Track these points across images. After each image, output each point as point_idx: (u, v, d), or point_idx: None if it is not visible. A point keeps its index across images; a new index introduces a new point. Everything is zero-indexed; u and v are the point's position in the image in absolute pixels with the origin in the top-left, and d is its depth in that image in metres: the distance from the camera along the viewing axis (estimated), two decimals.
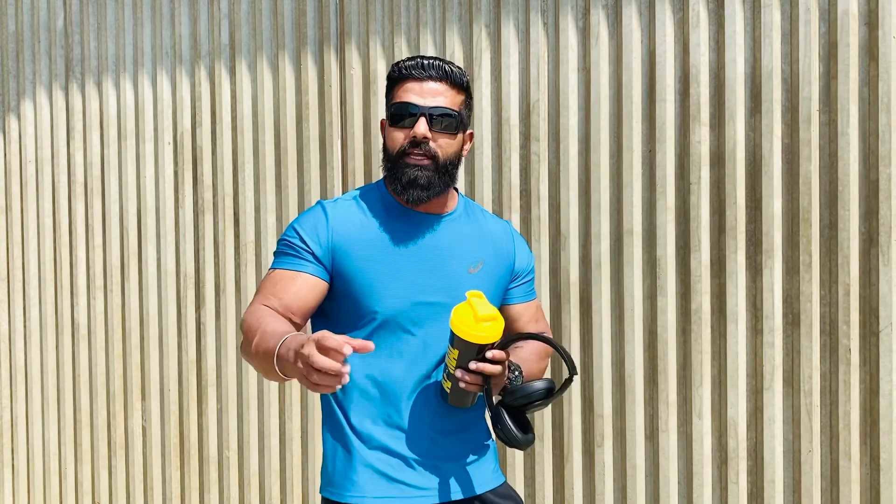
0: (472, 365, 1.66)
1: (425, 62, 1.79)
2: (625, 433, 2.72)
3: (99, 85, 3.36)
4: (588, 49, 2.74)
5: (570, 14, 2.75)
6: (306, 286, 1.76)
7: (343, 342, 1.37)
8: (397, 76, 1.81)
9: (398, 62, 1.82)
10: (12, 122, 3.51)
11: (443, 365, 1.79)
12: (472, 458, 1.86)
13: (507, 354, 1.72)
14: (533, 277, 2.00)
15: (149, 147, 3.30)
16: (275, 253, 1.83)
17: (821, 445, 2.54)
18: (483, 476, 1.86)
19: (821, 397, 2.53)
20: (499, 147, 2.84)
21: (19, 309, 3.52)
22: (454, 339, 1.67)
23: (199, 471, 3.27)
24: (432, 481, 1.79)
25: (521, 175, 2.82)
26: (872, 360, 2.47)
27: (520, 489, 2.84)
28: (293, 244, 1.80)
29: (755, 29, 2.57)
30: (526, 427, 1.76)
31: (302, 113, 3.08)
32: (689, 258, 2.64)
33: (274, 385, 3.14)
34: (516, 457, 2.84)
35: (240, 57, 3.15)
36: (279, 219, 3.12)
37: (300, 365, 1.45)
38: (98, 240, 3.38)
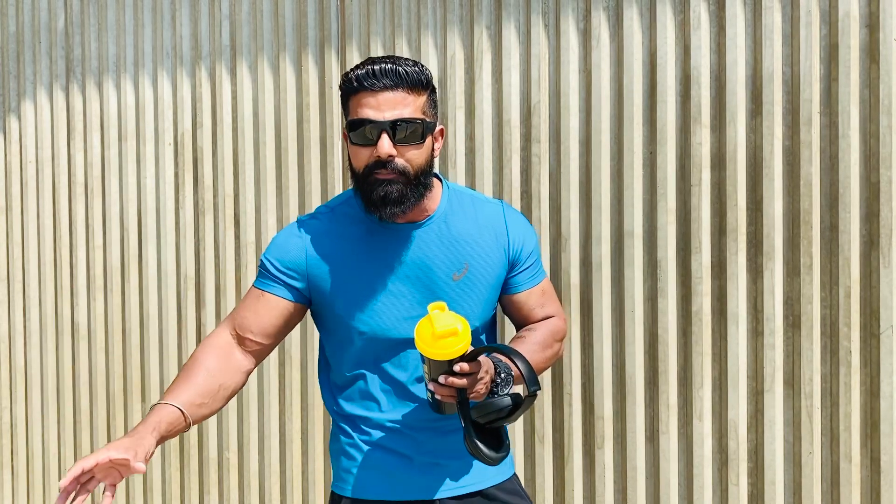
0: (442, 379, 1.61)
1: (376, 69, 1.64)
2: (625, 435, 2.72)
3: (99, 85, 3.36)
4: (589, 51, 2.74)
5: (570, 16, 2.75)
6: (267, 307, 1.75)
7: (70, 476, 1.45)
8: (348, 88, 1.68)
9: (350, 71, 1.68)
10: (13, 123, 3.51)
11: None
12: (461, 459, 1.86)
13: (479, 365, 1.63)
14: (537, 259, 1.90)
15: (149, 148, 3.30)
16: (258, 270, 1.84)
17: (821, 447, 2.54)
18: (487, 471, 1.85)
19: (821, 399, 2.53)
20: (499, 148, 2.84)
21: (19, 309, 3.52)
22: (422, 354, 1.63)
23: (199, 472, 3.27)
24: (434, 477, 1.80)
25: (521, 176, 2.82)
26: (873, 362, 2.47)
27: None
28: (265, 266, 1.79)
29: (756, 31, 2.57)
30: (499, 440, 1.70)
31: (303, 114, 3.08)
32: (690, 260, 2.64)
33: (274, 386, 3.14)
34: (516, 458, 2.84)
35: (241, 58, 3.15)
36: (280, 220, 3.12)
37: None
38: (98, 240, 3.38)
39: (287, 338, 3.10)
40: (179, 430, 1.62)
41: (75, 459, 3.45)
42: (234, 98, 3.18)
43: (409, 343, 1.76)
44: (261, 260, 1.79)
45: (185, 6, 3.22)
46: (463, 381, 1.60)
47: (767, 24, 2.54)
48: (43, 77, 3.45)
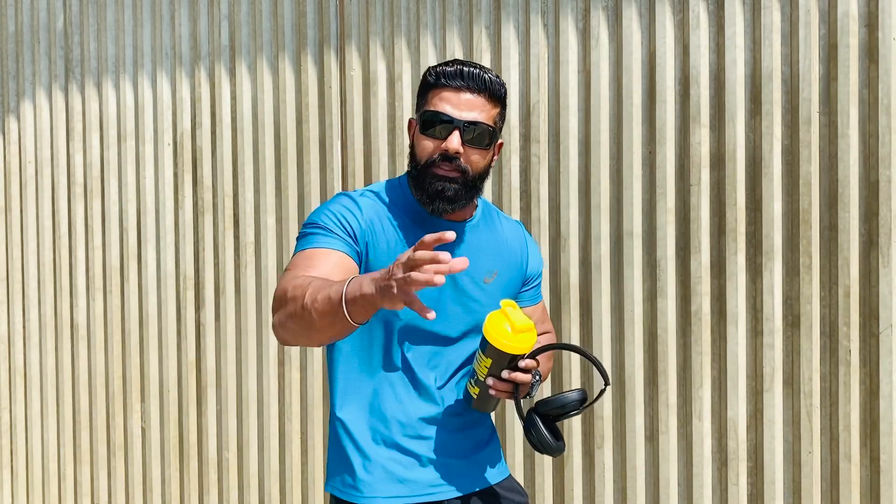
0: (505, 374, 1.66)
1: (465, 71, 1.71)
2: (625, 435, 2.72)
3: (98, 86, 3.36)
4: (588, 50, 2.74)
5: (570, 15, 2.75)
6: (342, 265, 1.67)
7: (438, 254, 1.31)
8: (434, 82, 1.74)
9: (436, 66, 1.75)
10: (12, 123, 3.51)
11: (469, 370, 1.79)
12: (479, 453, 1.87)
13: (538, 363, 1.71)
14: (540, 280, 2.00)
15: (148, 148, 3.30)
16: (299, 237, 1.74)
17: (821, 447, 2.54)
18: (490, 470, 1.87)
19: (821, 399, 2.53)
20: None
21: (18, 310, 3.52)
22: (487, 349, 1.66)
23: (199, 472, 3.27)
24: (443, 478, 1.80)
25: (521, 176, 2.82)
26: (872, 361, 2.47)
27: None
28: (325, 226, 1.71)
29: (755, 30, 2.57)
30: (557, 434, 1.76)
31: (302, 114, 3.08)
32: (689, 260, 2.64)
33: (273, 386, 3.14)
34: (516, 458, 2.84)
35: (240, 58, 3.15)
36: (279, 220, 3.12)
37: (396, 271, 1.35)
38: (97, 241, 3.38)
39: None
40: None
41: (75, 460, 3.45)
42: (233, 98, 3.18)
43: (429, 337, 1.78)
44: (316, 222, 1.73)
45: (183, 6, 3.22)
46: (527, 377, 1.66)
47: (766, 24, 2.54)
48: (42, 77, 3.45)
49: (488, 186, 2.85)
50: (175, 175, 3.27)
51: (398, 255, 1.68)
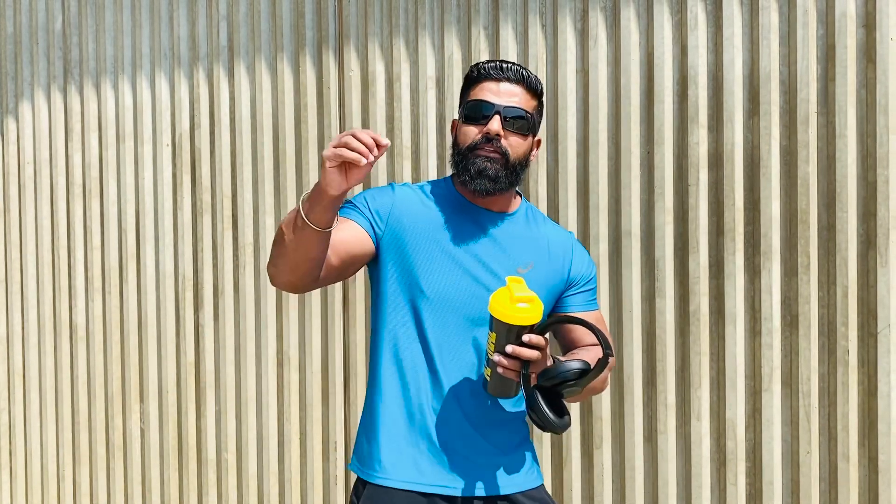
0: (509, 348, 1.63)
1: (503, 65, 1.85)
2: (623, 435, 2.72)
3: (97, 87, 3.36)
4: (586, 51, 2.74)
5: (568, 16, 2.75)
6: (349, 229, 1.81)
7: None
8: (475, 77, 1.88)
9: (477, 63, 1.88)
10: (10, 124, 3.51)
11: (484, 353, 1.78)
12: (503, 456, 1.86)
13: (546, 341, 1.68)
14: (594, 289, 1.99)
15: (147, 149, 3.30)
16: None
17: (819, 447, 2.54)
18: (514, 477, 1.85)
19: (819, 399, 2.53)
20: None
21: (17, 311, 3.52)
22: (491, 322, 1.66)
23: (198, 473, 3.27)
24: (458, 474, 1.80)
25: None
26: (871, 361, 2.47)
27: None
28: (353, 202, 1.87)
29: (753, 31, 2.57)
30: (561, 411, 1.70)
31: (300, 115, 3.08)
32: (688, 259, 2.64)
33: (272, 387, 3.14)
34: None
35: (238, 59, 3.15)
36: (278, 221, 3.12)
37: (333, 149, 1.57)
38: (96, 241, 3.38)
39: (286, 339, 3.11)
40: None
41: (73, 460, 3.45)
42: (232, 99, 3.18)
43: (458, 318, 1.81)
44: (350, 200, 1.88)
45: (182, 7, 3.22)
46: (531, 353, 1.64)
47: (764, 24, 2.55)
48: (41, 78, 3.45)
49: None
50: (174, 176, 3.27)
51: (441, 235, 1.83)
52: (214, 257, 3.22)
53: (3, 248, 3.54)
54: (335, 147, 1.57)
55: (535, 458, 1.92)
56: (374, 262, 1.88)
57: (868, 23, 2.46)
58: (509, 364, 1.65)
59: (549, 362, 1.72)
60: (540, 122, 1.91)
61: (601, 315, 2.03)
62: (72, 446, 3.45)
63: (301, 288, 1.80)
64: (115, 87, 3.34)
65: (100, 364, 3.38)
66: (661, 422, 2.68)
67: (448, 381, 1.82)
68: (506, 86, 1.84)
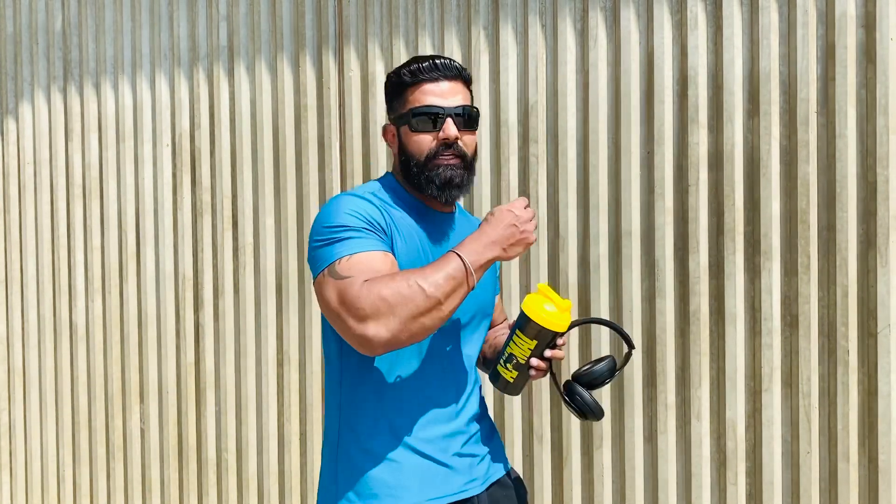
0: (548, 353, 1.72)
1: (439, 62, 1.77)
2: (623, 435, 2.72)
3: (97, 87, 3.36)
4: (586, 51, 2.74)
5: (568, 16, 2.75)
6: (393, 264, 1.68)
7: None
8: (410, 81, 1.78)
9: (407, 66, 1.78)
10: (10, 124, 3.51)
11: (501, 357, 1.76)
12: (490, 444, 1.88)
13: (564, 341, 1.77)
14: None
15: (147, 149, 3.30)
16: (329, 241, 1.67)
17: (819, 447, 2.54)
18: (502, 461, 1.89)
19: (819, 399, 2.53)
20: (497, 148, 2.84)
21: (17, 311, 3.52)
22: (531, 330, 1.70)
23: (198, 473, 3.27)
24: (472, 471, 1.80)
25: (519, 176, 2.82)
26: (871, 361, 2.47)
27: None
28: (358, 227, 1.68)
29: (753, 31, 2.57)
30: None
31: (300, 115, 3.08)
32: (688, 260, 2.64)
33: (272, 387, 3.14)
34: (515, 458, 2.84)
35: (238, 59, 3.15)
36: (277, 221, 3.12)
37: (526, 226, 1.68)
38: (96, 242, 3.38)
39: (285, 340, 3.11)
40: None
41: (74, 461, 3.45)
42: (232, 99, 3.18)
43: (446, 325, 1.77)
44: (342, 224, 1.68)
45: (182, 7, 3.22)
46: (562, 354, 1.74)
47: (764, 24, 2.55)
48: (41, 78, 3.45)
49: (487, 187, 2.85)
50: (174, 176, 3.27)
51: (415, 246, 1.75)
52: (214, 257, 3.22)
53: (4, 248, 3.54)
54: (531, 226, 1.69)
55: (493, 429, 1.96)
56: None
57: (868, 23, 2.45)
58: (545, 367, 1.74)
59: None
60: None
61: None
62: (72, 446, 3.45)
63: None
64: (115, 88, 3.34)
65: (100, 364, 3.38)
66: (661, 422, 2.68)
67: (433, 388, 1.78)
68: (446, 84, 1.77)
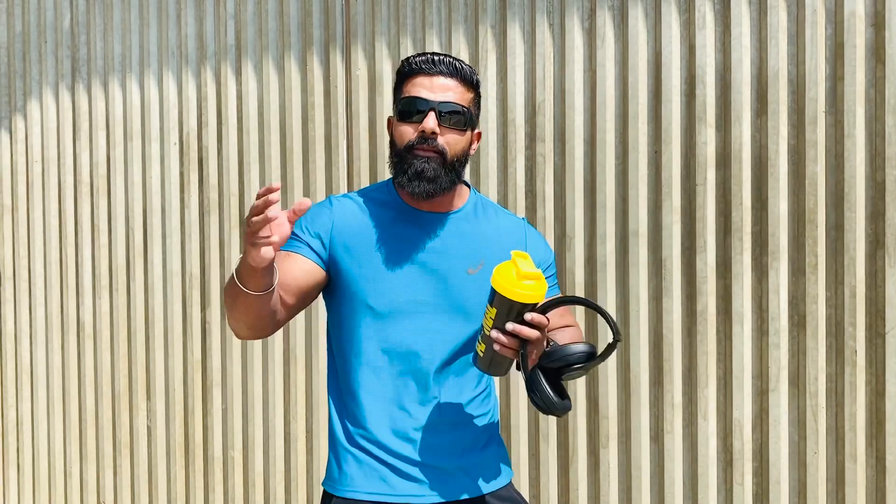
0: (509, 326, 1.57)
1: (435, 58, 1.77)
2: (630, 434, 2.72)
3: (105, 85, 3.37)
4: (594, 50, 2.74)
5: (575, 15, 2.75)
6: (296, 265, 1.76)
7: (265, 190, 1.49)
8: (407, 71, 1.80)
9: (408, 58, 1.81)
10: (19, 122, 3.52)
11: (479, 327, 1.73)
12: (474, 455, 1.84)
13: (548, 321, 1.61)
14: (554, 274, 1.94)
15: (154, 147, 3.31)
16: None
17: (826, 447, 2.53)
18: (485, 475, 1.84)
19: (826, 399, 2.53)
20: (504, 148, 2.84)
21: (25, 308, 3.53)
22: (493, 297, 1.59)
23: (204, 471, 3.28)
24: (427, 480, 1.78)
25: (526, 176, 2.82)
26: (878, 361, 2.47)
27: (524, 490, 2.84)
28: (296, 233, 1.80)
29: (761, 30, 2.57)
30: (562, 392, 1.64)
31: (308, 113, 3.09)
32: (695, 259, 2.64)
33: (279, 385, 3.14)
34: (521, 457, 2.84)
35: (246, 57, 3.16)
36: None
37: (249, 229, 1.52)
38: (104, 240, 3.39)
39: (292, 338, 3.11)
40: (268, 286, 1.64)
41: (80, 457, 3.46)
42: (240, 97, 3.18)
43: (410, 330, 1.78)
44: (293, 230, 1.81)
45: (190, 6, 3.23)
46: (532, 332, 1.58)
47: (773, 24, 2.54)
48: (49, 77, 3.46)
49: (494, 186, 2.85)
50: (181, 174, 3.28)
51: (383, 248, 1.78)
52: (221, 255, 3.22)
53: (12, 246, 3.55)
54: (249, 226, 1.51)
55: (503, 457, 1.90)
56: (325, 286, 1.85)
57: (877, 22, 2.45)
58: (508, 342, 1.59)
59: (545, 344, 1.67)
60: (478, 115, 1.83)
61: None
62: (79, 443, 3.46)
63: (265, 336, 1.78)
64: (123, 86, 3.35)
65: (107, 361, 3.39)
66: (667, 421, 2.67)
67: (407, 389, 1.79)
68: (439, 80, 1.76)
